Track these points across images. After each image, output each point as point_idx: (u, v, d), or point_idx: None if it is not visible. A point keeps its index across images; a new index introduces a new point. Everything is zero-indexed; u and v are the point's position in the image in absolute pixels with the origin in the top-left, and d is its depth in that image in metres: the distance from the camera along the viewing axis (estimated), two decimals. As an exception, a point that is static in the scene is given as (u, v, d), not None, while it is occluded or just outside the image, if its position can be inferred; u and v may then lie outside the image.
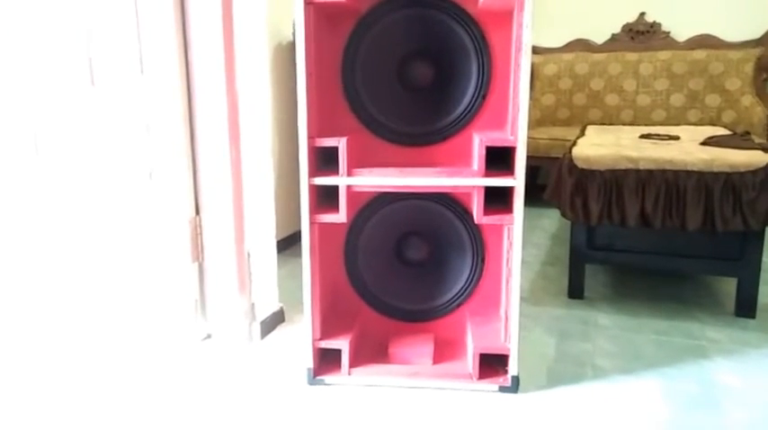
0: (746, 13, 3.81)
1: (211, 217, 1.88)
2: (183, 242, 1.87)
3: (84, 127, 1.92)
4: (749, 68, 3.74)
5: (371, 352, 1.70)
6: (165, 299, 1.93)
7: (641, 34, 4.05)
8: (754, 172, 1.90)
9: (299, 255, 1.59)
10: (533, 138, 3.69)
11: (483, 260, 1.72)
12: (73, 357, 1.83)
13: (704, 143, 2.22)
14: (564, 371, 1.70)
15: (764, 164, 1.89)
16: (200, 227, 1.90)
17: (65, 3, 1.85)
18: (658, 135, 2.51)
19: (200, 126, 1.83)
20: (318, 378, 1.64)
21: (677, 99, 3.89)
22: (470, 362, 1.61)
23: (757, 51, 3.73)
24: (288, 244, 2.79)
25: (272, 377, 1.69)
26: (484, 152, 1.48)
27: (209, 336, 1.96)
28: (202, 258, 1.92)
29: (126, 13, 1.78)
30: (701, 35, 3.89)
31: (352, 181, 1.53)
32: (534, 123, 4.14)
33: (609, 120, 4.04)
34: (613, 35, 4.12)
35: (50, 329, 2.02)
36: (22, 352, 1.87)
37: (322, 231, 1.61)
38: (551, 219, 3.49)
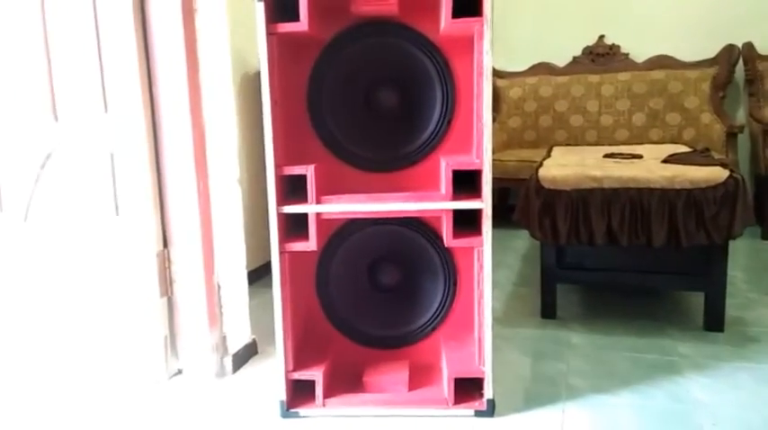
0: (701, 34, 3.94)
1: (180, 250, 1.85)
2: (152, 276, 1.84)
3: (48, 163, 1.89)
4: (706, 87, 3.85)
5: (346, 381, 1.68)
6: (134, 335, 1.89)
7: (601, 56, 4.16)
8: (715, 187, 1.95)
9: (270, 285, 1.57)
10: (502, 161, 3.74)
11: (455, 283, 1.72)
12: (40, 395, 1.77)
13: (666, 161, 2.27)
14: (539, 392, 1.70)
15: (724, 179, 1.95)
16: (169, 260, 1.87)
17: (25, 35, 1.84)
18: (622, 154, 2.56)
19: (167, 158, 1.81)
20: (292, 410, 1.61)
21: (639, 118, 3.99)
22: (446, 388, 1.60)
23: (713, 71, 3.85)
24: (259, 275, 2.76)
25: (245, 411, 1.66)
26: (451, 176, 1.49)
27: (179, 372, 1.92)
28: (171, 292, 1.88)
29: (88, 44, 1.77)
30: (659, 56, 4.01)
31: (322, 208, 1.53)
32: (502, 146, 4.20)
33: (574, 140, 4.12)
34: (575, 58, 4.22)
35: (18, 367, 1.96)
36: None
37: (293, 260, 1.60)
38: (523, 240, 3.52)
